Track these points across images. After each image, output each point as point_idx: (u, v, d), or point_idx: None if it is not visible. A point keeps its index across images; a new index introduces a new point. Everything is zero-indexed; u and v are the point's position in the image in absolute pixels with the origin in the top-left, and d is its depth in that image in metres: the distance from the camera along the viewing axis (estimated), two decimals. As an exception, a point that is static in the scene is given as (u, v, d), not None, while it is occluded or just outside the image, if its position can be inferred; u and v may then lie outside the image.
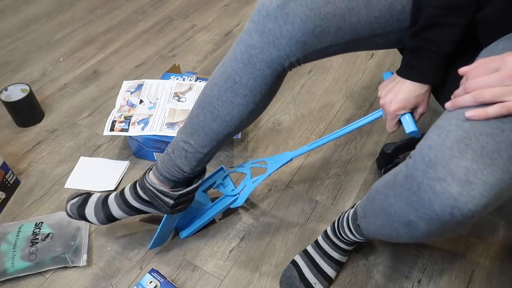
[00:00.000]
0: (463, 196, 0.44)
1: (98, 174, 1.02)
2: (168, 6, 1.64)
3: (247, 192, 0.86)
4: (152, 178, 0.75)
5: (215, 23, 1.55)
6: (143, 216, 0.93)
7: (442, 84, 0.62)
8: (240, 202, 0.86)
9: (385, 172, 0.98)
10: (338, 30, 0.58)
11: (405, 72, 0.61)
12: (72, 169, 1.03)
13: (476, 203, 0.44)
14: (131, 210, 0.78)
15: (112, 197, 0.79)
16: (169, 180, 0.73)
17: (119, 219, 0.79)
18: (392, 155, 0.99)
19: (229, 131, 0.68)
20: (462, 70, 0.50)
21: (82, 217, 0.79)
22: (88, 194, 0.81)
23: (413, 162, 0.49)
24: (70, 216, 0.79)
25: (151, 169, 0.76)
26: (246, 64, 0.60)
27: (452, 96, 0.51)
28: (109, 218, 0.78)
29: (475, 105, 0.47)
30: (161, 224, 0.79)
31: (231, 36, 1.49)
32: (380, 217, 0.57)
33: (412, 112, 0.64)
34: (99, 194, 0.81)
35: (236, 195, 0.86)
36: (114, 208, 0.78)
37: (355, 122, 0.76)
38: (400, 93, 0.62)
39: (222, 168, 0.90)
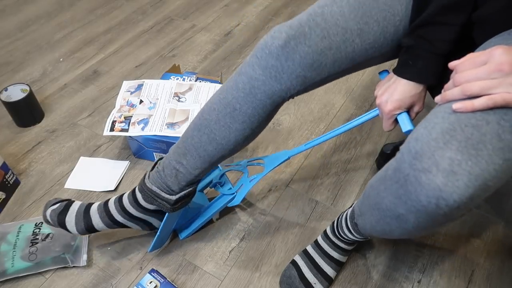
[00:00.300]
0: (448, 186, 0.44)
1: (98, 174, 1.02)
2: (168, 6, 1.64)
3: (244, 191, 0.86)
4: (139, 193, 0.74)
5: (215, 23, 1.55)
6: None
7: (439, 84, 0.62)
8: (237, 201, 0.86)
9: None
10: (335, 62, 0.61)
11: (400, 70, 0.61)
12: (72, 169, 1.03)
13: (461, 193, 0.44)
14: (113, 224, 0.77)
15: (95, 207, 0.78)
16: None
17: (99, 231, 0.78)
18: (392, 155, 0.99)
19: (223, 154, 0.69)
20: (452, 64, 0.51)
21: (61, 225, 0.77)
22: (70, 201, 0.80)
23: (401, 155, 0.50)
24: (48, 222, 0.78)
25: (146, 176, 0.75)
26: (248, 94, 0.63)
27: (442, 90, 0.52)
28: (89, 229, 0.77)
29: (463, 98, 0.48)
30: (161, 226, 0.79)
31: (231, 36, 1.49)
32: (374, 213, 0.57)
33: (408, 111, 0.64)
34: (80, 202, 0.80)
35: (233, 193, 0.86)
36: (96, 219, 0.77)
37: (352, 121, 0.76)
38: (396, 93, 0.62)
39: (218, 167, 0.90)
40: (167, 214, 0.77)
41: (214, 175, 0.89)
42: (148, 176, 0.75)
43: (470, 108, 0.47)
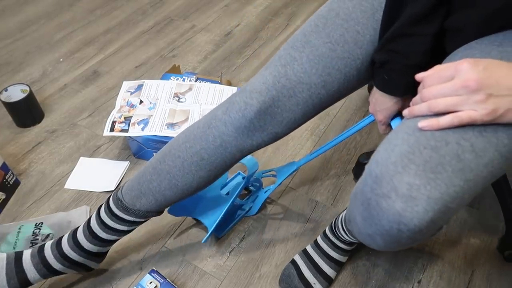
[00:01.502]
0: (407, 212, 0.44)
1: (98, 175, 1.02)
2: (168, 6, 1.64)
3: (260, 201, 0.92)
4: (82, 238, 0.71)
5: (215, 24, 1.55)
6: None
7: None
8: (253, 211, 0.93)
9: None
10: (304, 114, 0.63)
11: (376, 84, 0.61)
12: (72, 170, 1.03)
13: (421, 218, 0.44)
14: (50, 273, 0.71)
15: (27, 256, 0.71)
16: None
17: (33, 284, 0.71)
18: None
19: (180, 198, 0.69)
20: (418, 76, 0.50)
21: None
22: None
23: (364, 176, 0.49)
24: None
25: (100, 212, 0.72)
26: (218, 147, 0.63)
27: (410, 103, 0.51)
28: (23, 284, 0.69)
29: (430, 114, 0.47)
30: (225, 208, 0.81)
31: (231, 36, 1.49)
32: (354, 226, 0.57)
33: (401, 113, 0.63)
34: (5, 254, 0.71)
35: (250, 204, 0.93)
36: (31, 272, 0.69)
37: (353, 126, 0.78)
38: (381, 103, 0.62)
39: (239, 173, 0.95)
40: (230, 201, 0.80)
41: (235, 185, 0.92)
42: (98, 215, 0.72)
43: (436, 126, 0.46)
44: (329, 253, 0.79)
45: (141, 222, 0.72)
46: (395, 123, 0.64)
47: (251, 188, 0.94)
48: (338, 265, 0.80)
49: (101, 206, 0.73)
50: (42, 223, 0.89)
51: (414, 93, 0.53)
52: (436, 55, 0.56)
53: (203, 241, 0.82)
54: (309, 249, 0.82)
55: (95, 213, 0.72)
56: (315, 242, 0.82)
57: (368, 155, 0.98)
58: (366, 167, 0.50)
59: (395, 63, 0.56)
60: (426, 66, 0.54)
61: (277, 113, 0.61)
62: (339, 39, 0.59)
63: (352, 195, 0.55)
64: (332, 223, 0.80)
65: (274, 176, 0.90)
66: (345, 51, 0.59)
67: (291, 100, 0.60)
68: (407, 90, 0.58)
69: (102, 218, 0.71)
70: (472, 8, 0.51)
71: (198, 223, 0.92)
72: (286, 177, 0.86)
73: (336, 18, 0.60)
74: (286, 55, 0.61)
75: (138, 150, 1.04)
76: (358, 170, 1.00)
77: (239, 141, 0.63)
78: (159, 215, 0.73)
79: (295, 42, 0.61)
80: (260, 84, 0.61)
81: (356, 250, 0.86)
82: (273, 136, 0.64)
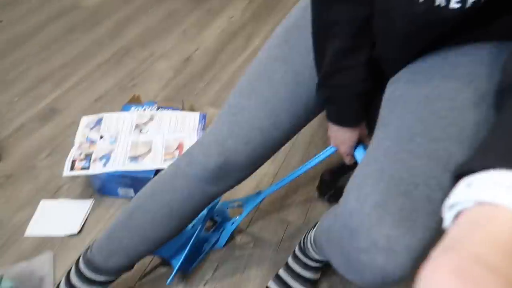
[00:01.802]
0: (390, 265, 0.44)
1: (61, 217, 0.97)
2: (125, 36, 1.63)
3: (227, 233, 0.89)
4: None
5: (174, 50, 1.55)
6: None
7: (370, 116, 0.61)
8: (221, 243, 0.90)
9: (329, 199, 0.98)
10: (262, 156, 0.64)
11: (329, 119, 0.61)
12: (33, 215, 0.98)
13: (404, 268, 0.44)
14: None
15: None
16: None
17: None
18: (332, 181, 0.99)
19: (153, 249, 0.69)
20: None
21: None
22: None
23: (339, 226, 0.49)
24: None
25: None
26: (187, 198, 0.64)
27: None
28: None
29: None
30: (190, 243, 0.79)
31: (190, 61, 1.48)
32: (333, 263, 0.56)
33: (364, 141, 0.64)
34: None
35: (217, 237, 0.90)
36: None
37: (316, 156, 0.77)
38: (340, 136, 0.62)
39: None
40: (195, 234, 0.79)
41: (199, 218, 0.88)
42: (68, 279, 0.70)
43: None
44: (302, 274, 0.78)
45: (112, 281, 0.70)
46: (359, 153, 0.64)
47: (216, 218, 0.92)
48: (313, 285, 0.80)
49: (70, 270, 0.71)
50: (2, 276, 0.84)
51: (368, 118, 0.54)
52: (379, 78, 0.57)
53: (168, 282, 0.79)
54: (282, 273, 0.81)
55: (64, 278, 0.71)
56: (286, 264, 0.81)
57: (329, 172, 0.99)
58: (339, 213, 0.49)
59: (340, 95, 0.56)
60: (373, 90, 0.54)
61: (237, 160, 0.62)
62: (280, 81, 0.60)
63: (324, 236, 0.54)
64: (300, 242, 0.79)
65: (240, 206, 0.89)
66: (287, 91, 0.60)
67: (248, 146, 0.61)
68: (359, 118, 0.59)
69: (73, 283, 0.69)
70: (387, 35, 0.51)
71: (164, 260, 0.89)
72: (253, 208, 0.85)
73: (275, 61, 0.61)
74: (236, 104, 0.62)
75: (102, 186, 1.01)
76: (322, 186, 1.01)
77: (205, 190, 0.64)
78: (131, 270, 0.72)
79: (242, 89, 0.63)
80: (216, 135, 0.62)
81: (330, 264, 0.85)
82: (237, 180, 0.65)
